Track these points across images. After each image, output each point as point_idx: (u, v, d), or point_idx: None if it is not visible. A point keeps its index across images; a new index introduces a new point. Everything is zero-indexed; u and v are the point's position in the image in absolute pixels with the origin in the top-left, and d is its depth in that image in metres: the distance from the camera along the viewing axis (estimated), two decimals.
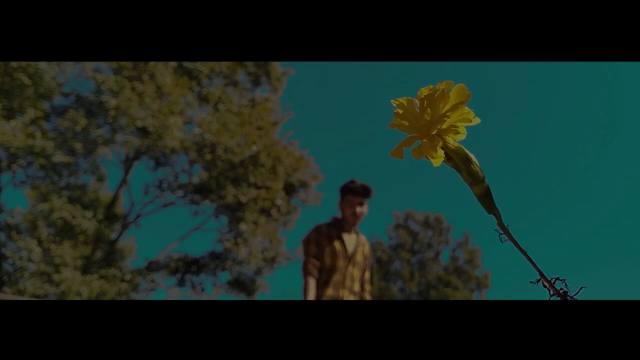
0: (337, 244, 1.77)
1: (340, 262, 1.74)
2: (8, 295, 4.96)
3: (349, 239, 1.81)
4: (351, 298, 1.73)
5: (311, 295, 1.64)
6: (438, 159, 0.33)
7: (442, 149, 0.34)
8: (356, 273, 1.78)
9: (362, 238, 1.87)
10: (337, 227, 1.82)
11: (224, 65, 7.64)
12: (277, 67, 8.07)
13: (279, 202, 7.28)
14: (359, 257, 1.81)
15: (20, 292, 5.70)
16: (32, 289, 5.64)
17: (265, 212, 7.35)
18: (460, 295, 12.40)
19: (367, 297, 1.84)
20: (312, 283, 1.68)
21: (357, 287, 1.78)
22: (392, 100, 0.35)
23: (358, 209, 1.78)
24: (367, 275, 1.86)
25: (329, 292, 1.70)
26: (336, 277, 1.72)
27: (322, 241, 1.77)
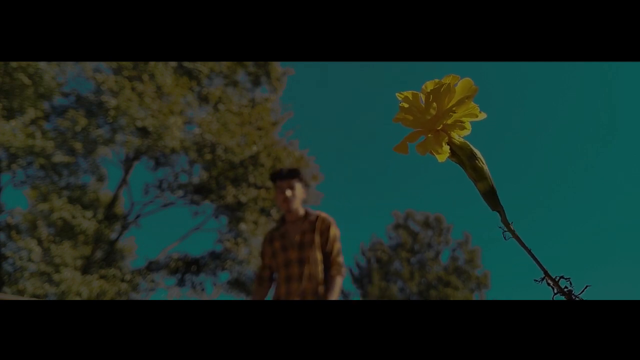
0: (276, 243, 1.76)
1: (282, 258, 1.72)
2: (8, 295, 4.96)
3: (292, 228, 1.76)
4: (308, 284, 1.65)
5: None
6: (443, 154, 0.33)
7: (447, 144, 0.34)
8: (309, 255, 1.68)
9: (313, 217, 1.76)
10: (281, 223, 1.80)
11: (224, 65, 7.64)
12: (277, 67, 8.06)
13: None
14: (307, 238, 1.71)
15: (20, 292, 5.70)
16: (32, 289, 5.64)
17: (265, 212, 7.35)
18: (460, 295, 12.40)
19: (335, 272, 1.68)
20: (255, 294, 1.77)
21: (313, 269, 1.66)
22: (397, 94, 0.34)
23: (287, 192, 1.73)
24: (335, 248, 1.71)
25: (282, 290, 1.68)
26: (284, 273, 1.69)
27: (264, 249, 1.81)
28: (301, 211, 1.79)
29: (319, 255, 1.71)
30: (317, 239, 1.72)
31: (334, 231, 1.75)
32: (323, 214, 1.78)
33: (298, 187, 1.77)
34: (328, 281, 1.68)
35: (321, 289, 1.67)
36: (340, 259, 1.71)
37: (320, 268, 1.69)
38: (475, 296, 12.84)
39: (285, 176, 1.76)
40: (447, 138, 0.33)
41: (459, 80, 0.33)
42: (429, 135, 0.33)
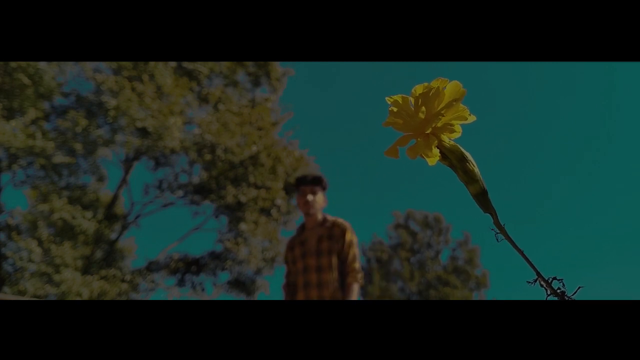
0: (297, 249, 1.79)
1: (300, 264, 1.75)
2: (8, 295, 4.96)
3: (311, 234, 1.78)
4: (324, 291, 1.66)
5: None
6: (433, 158, 0.33)
7: (438, 147, 0.34)
8: (324, 262, 1.70)
9: (330, 224, 1.78)
10: (301, 230, 1.84)
11: (224, 65, 7.64)
12: (277, 67, 8.07)
13: (279, 202, 7.28)
14: (323, 245, 1.73)
15: (21, 293, 5.70)
16: (32, 289, 5.64)
17: (265, 212, 7.35)
18: (459, 294, 12.41)
19: (351, 279, 1.68)
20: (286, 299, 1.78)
21: (329, 276, 1.68)
22: (386, 98, 0.34)
23: (309, 197, 1.78)
24: (350, 254, 1.72)
25: (301, 296, 1.70)
26: (302, 279, 1.72)
27: (286, 255, 1.85)
28: (320, 217, 1.82)
29: (335, 262, 1.72)
30: (333, 245, 1.74)
31: (350, 237, 1.76)
32: (340, 220, 1.81)
33: (320, 194, 1.82)
34: (345, 288, 1.68)
35: (338, 295, 1.68)
36: (357, 265, 1.72)
37: (336, 275, 1.71)
38: (474, 296, 12.85)
39: (309, 182, 1.81)
40: (437, 141, 0.33)
41: (447, 83, 0.33)
42: (419, 139, 0.33)
